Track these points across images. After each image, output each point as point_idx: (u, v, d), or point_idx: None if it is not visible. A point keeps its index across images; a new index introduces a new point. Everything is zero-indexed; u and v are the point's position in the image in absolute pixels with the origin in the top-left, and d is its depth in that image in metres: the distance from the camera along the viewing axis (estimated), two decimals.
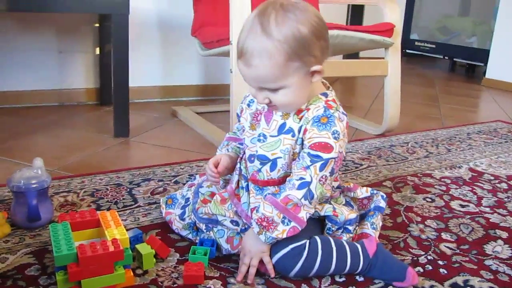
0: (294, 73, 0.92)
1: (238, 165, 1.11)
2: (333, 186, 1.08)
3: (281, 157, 1.00)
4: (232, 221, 1.05)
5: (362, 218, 1.14)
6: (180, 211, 1.14)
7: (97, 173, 1.48)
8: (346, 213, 1.05)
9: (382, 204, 1.15)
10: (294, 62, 0.91)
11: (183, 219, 1.13)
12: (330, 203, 1.05)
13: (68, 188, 1.37)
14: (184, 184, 1.40)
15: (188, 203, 1.15)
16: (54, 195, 1.32)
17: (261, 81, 0.93)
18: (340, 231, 1.06)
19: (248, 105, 1.10)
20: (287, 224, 0.95)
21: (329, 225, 1.06)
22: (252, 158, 1.04)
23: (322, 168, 0.96)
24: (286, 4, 0.91)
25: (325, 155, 0.96)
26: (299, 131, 0.99)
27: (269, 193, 1.01)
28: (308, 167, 0.96)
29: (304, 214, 0.96)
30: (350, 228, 1.06)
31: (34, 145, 1.80)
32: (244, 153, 1.09)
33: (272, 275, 0.97)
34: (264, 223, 0.95)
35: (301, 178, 0.96)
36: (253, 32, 0.90)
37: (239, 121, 1.13)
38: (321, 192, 0.97)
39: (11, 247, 1.05)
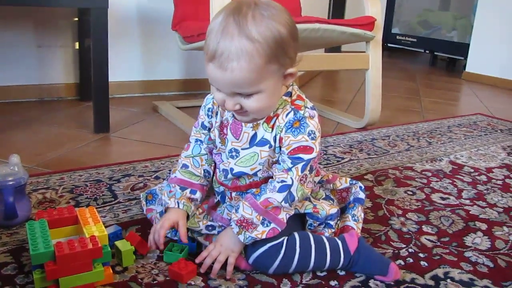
0: (270, 76, 0.88)
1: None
2: (315, 182, 1.08)
3: (260, 169, 0.99)
4: (207, 227, 1.04)
5: (342, 211, 1.14)
6: (161, 208, 1.12)
7: (76, 169, 1.46)
8: (327, 209, 1.05)
9: (361, 195, 1.15)
10: (273, 64, 0.87)
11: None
12: (310, 201, 1.05)
13: (47, 185, 1.35)
14: (164, 179, 1.38)
15: None
16: (33, 192, 1.29)
17: (237, 85, 0.87)
18: (322, 226, 1.06)
19: (208, 116, 1.05)
20: (267, 226, 0.94)
21: (310, 221, 1.05)
22: (226, 173, 1.02)
23: (303, 168, 0.95)
24: (261, 3, 0.87)
25: (306, 156, 0.95)
26: (274, 141, 0.97)
27: (249, 193, 1.00)
28: (290, 169, 0.95)
29: (284, 216, 0.96)
30: (332, 223, 1.06)
31: (12, 141, 1.76)
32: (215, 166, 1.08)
33: (228, 277, 0.95)
34: (244, 224, 0.94)
35: (282, 181, 0.95)
36: (229, 33, 0.83)
37: (208, 131, 1.07)
38: (302, 193, 0.96)
39: None
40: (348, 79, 3.63)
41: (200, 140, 1.09)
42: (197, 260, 0.98)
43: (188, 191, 1.05)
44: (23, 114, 2.12)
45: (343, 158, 1.71)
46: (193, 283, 0.94)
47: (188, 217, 1.04)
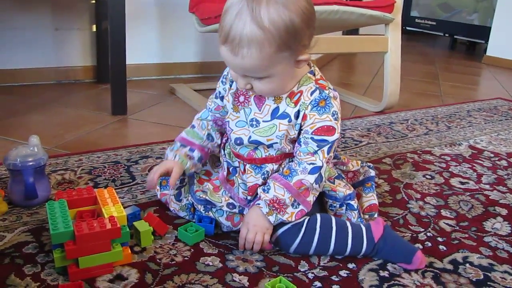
0: (281, 62, 0.89)
1: (222, 152, 1.10)
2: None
3: (277, 142, 0.99)
4: (228, 205, 1.04)
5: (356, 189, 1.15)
6: (176, 191, 1.12)
7: (94, 151, 1.47)
8: (343, 190, 1.05)
9: (372, 173, 1.17)
10: (284, 52, 0.87)
11: (179, 200, 1.11)
12: (326, 181, 1.05)
13: (66, 166, 1.36)
14: None
15: (184, 183, 1.13)
16: (52, 173, 1.31)
17: (247, 71, 0.89)
18: (344, 208, 1.06)
19: (230, 85, 1.04)
20: (296, 207, 0.96)
21: (330, 201, 1.05)
22: (240, 141, 1.02)
23: (329, 151, 0.97)
24: None
25: (330, 138, 0.96)
26: (296, 117, 0.97)
27: (275, 173, 1.00)
28: (316, 152, 0.96)
29: (311, 198, 0.98)
30: (353, 203, 1.06)
31: (31, 123, 1.78)
32: (226, 138, 1.08)
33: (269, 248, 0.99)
34: (276, 205, 0.95)
35: (312, 163, 0.96)
36: (242, 19, 0.83)
37: (221, 100, 1.07)
38: (328, 174, 1.00)
39: (9, 225, 1.05)
40: (366, 62, 3.59)
41: (210, 108, 1.10)
42: (240, 248, 0.99)
43: (187, 148, 1.07)
44: (41, 96, 2.13)
45: (361, 142, 1.70)
46: (211, 263, 0.95)
47: (184, 172, 1.06)
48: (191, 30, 2.42)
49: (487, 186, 1.38)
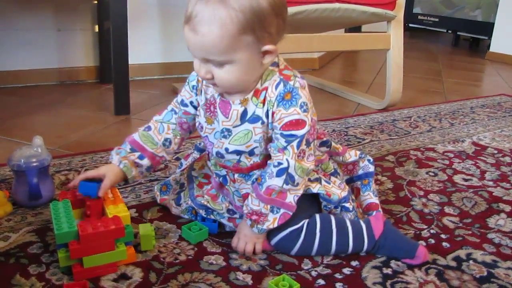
0: (244, 48, 0.84)
1: (208, 163, 1.08)
2: (321, 151, 1.06)
3: (257, 147, 0.95)
4: (229, 211, 1.04)
5: (351, 183, 1.13)
6: (175, 196, 1.12)
7: (98, 151, 1.48)
8: (338, 192, 1.01)
9: (371, 168, 1.12)
10: (247, 35, 0.83)
11: (179, 205, 1.11)
12: (321, 183, 1.01)
13: (69, 166, 1.36)
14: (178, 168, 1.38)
15: (184, 188, 1.12)
16: (55, 173, 1.31)
17: (207, 51, 0.84)
18: (338, 209, 1.03)
19: (195, 94, 1.01)
20: (277, 212, 0.93)
21: (324, 203, 1.02)
22: (220, 155, 0.99)
23: (299, 145, 0.91)
24: None
25: (299, 132, 0.91)
26: (267, 116, 0.93)
27: (256, 180, 0.98)
28: (285, 148, 0.91)
29: (291, 198, 0.93)
30: (348, 205, 1.03)
31: (34, 124, 1.79)
32: (208, 151, 1.06)
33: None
34: (254, 217, 0.94)
35: (279, 164, 0.91)
36: None
37: (195, 109, 1.03)
38: (301, 170, 0.92)
39: (13, 225, 1.05)
40: (368, 59, 3.58)
41: (175, 111, 1.05)
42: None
43: (137, 154, 1.02)
44: (44, 97, 2.14)
45: (364, 139, 1.70)
46: (214, 262, 0.95)
47: (127, 180, 1.02)
48: None
49: (491, 183, 1.38)
